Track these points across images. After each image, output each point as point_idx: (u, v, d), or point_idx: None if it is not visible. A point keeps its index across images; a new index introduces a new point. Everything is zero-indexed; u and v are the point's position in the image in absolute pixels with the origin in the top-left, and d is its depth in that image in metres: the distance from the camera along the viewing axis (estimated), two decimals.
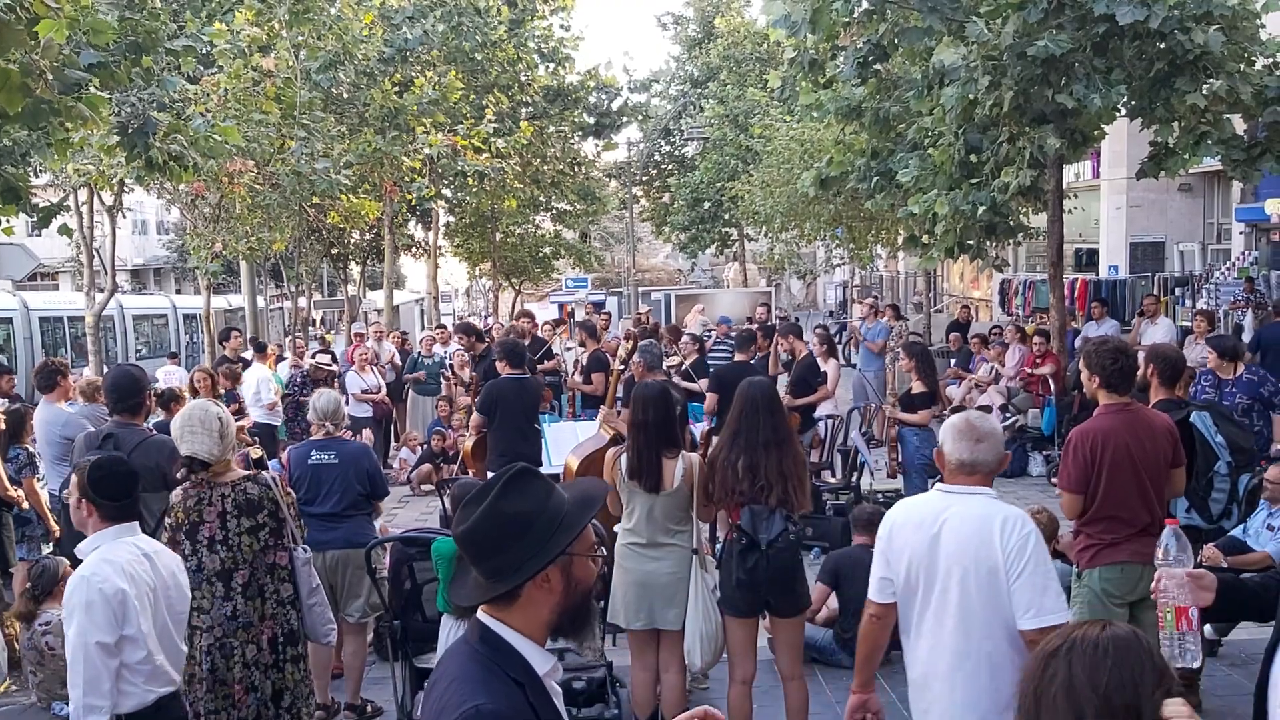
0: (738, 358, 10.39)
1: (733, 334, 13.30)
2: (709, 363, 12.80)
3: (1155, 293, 17.86)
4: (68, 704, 6.52)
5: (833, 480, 10.91)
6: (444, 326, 17.87)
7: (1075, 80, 9.76)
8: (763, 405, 5.20)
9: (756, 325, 13.76)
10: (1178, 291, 19.22)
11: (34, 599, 6.79)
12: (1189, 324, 14.75)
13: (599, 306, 27.41)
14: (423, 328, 27.12)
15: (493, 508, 2.21)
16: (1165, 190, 20.69)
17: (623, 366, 9.33)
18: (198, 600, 4.66)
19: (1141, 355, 6.02)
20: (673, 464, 5.26)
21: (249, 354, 13.82)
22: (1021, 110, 10.16)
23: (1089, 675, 1.97)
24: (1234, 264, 18.70)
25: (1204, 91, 9.88)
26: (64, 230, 12.63)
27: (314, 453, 6.37)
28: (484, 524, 2.21)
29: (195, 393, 9.55)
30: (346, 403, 13.58)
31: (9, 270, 14.15)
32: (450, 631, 5.05)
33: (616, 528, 5.46)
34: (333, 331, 29.98)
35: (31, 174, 10.94)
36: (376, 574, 5.93)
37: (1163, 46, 9.77)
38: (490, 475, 8.45)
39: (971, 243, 11.47)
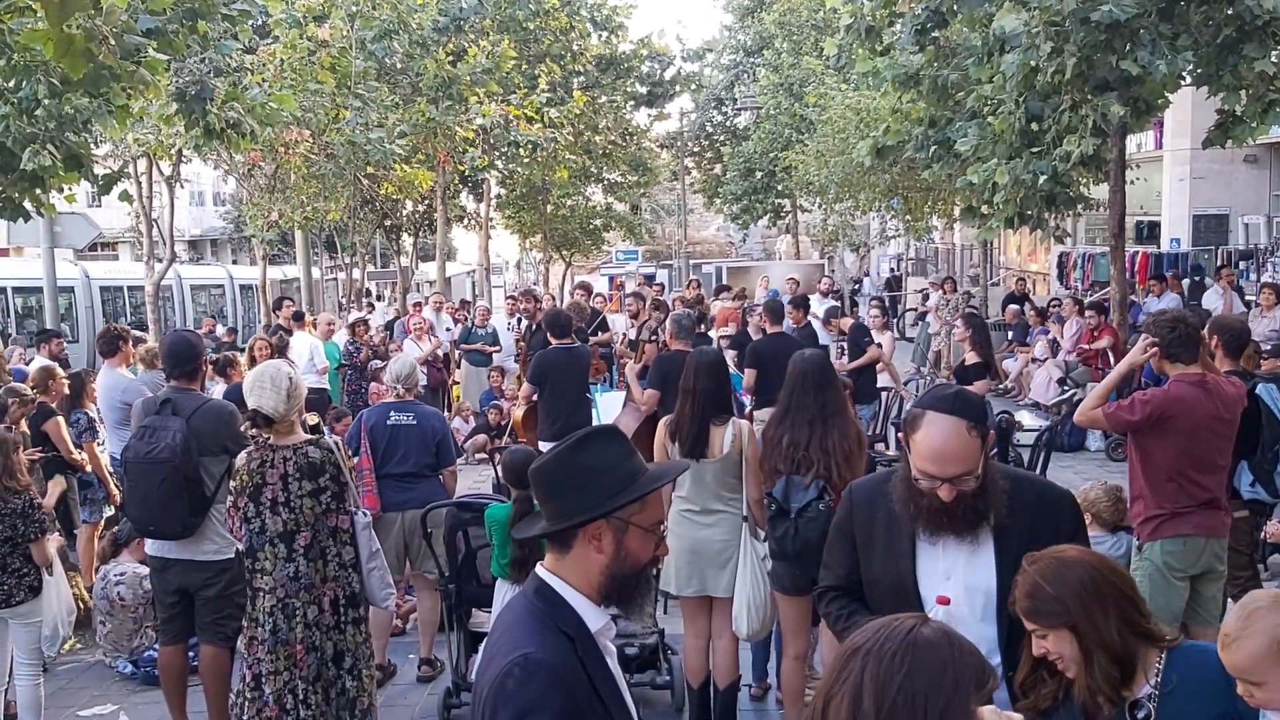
0: (770, 330, 10.25)
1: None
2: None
3: (1221, 264, 17.47)
4: (130, 660, 6.72)
5: (889, 453, 10.81)
6: (513, 298, 17.91)
7: (1140, 46, 9.52)
8: (812, 380, 5.05)
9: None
10: (1242, 265, 18.78)
11: (114, 542, 7.10)
12: (1254, 298, 14.44)
13: (650, 279, 27.31)
14: (474, 299, 27.24)
15: (566, 454, 2.32)
16: (1230, 161, 20.20)
17: (650, 338, 9.28)
18: (261, 562, 4.73)
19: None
20: (721, 430, 5.20)
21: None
22: (1084, 77, 9.93)
23: (877, 687, 1.70)
24: None
25: (1273, 58, 9.64)
26: (124, 196, 12.80)
27: (393, 414, 6.49)
28: (553, 466, 2.32)
29: (254, 360, 9.65)
30: None
31: (71, 239, 14.39)
32: (504, 596, 5.07)
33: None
34: (383, 301, 30.22)
35: (92, 143, 11.07)
36: (433, 536, 5.96)
37: (1231, 12, 9.52)
38: (541, 444, 8.43)
39: (1031, 213, 11.26)
